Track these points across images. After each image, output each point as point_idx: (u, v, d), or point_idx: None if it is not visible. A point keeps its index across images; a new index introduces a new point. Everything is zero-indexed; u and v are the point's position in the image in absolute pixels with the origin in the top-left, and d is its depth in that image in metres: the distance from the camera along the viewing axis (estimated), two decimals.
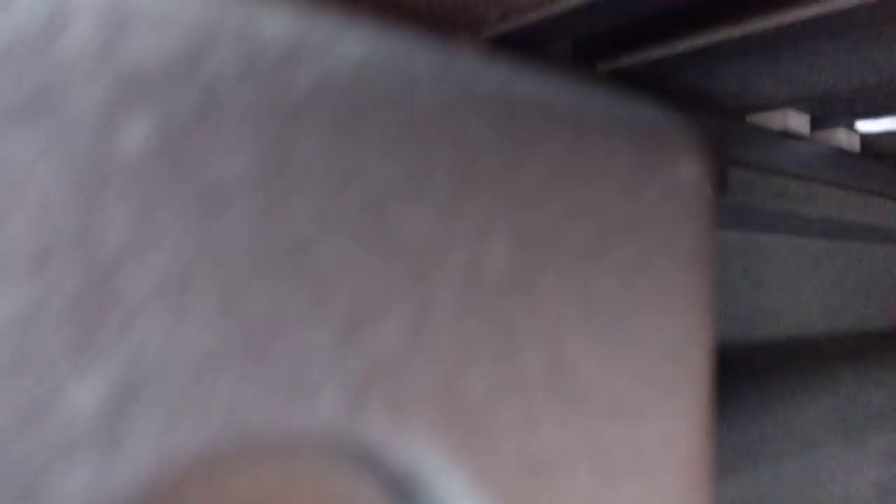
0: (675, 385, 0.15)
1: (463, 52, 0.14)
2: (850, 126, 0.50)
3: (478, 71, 0.14)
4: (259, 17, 0.12)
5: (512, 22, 0.29)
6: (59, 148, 0.10)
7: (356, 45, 0.13)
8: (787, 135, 0.46)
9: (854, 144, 0.52)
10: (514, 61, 0.16)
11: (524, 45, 0.32)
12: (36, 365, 0.10)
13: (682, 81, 0.41)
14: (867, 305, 0.64)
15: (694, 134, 0.14)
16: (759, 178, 0.45)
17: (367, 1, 0.25)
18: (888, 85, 0.41)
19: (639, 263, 0.14)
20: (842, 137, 0.50)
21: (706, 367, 0.16)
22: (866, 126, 0.50)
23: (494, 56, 0.24)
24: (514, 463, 0.13)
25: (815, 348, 0.56)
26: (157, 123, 0.11)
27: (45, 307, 0.10)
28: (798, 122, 0.46)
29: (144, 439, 0.10)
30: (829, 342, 0.58)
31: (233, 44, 0.12)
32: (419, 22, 0.30)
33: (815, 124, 0.49)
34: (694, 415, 0.15)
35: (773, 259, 0.53)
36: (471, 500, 0.13)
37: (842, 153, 0.51)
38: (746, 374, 0.49)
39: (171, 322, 0.11)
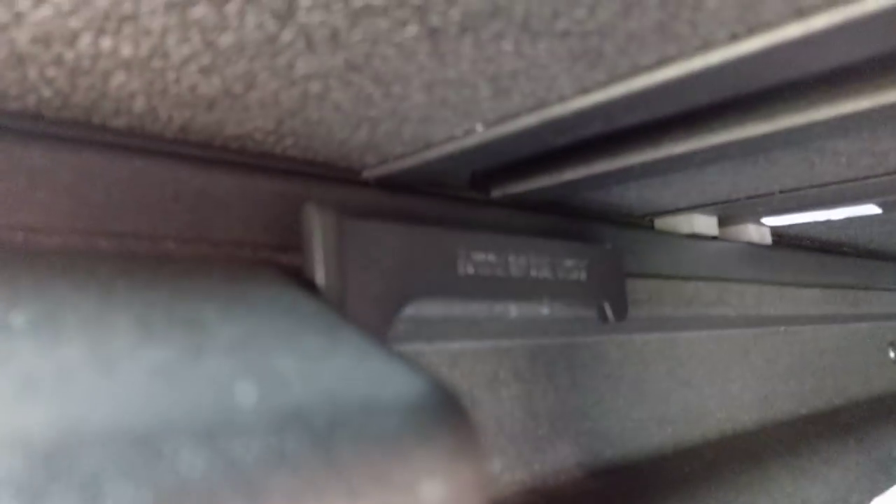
0: None
1: None
2: (758, 221, 0.50)
3: None
4: None
5: (392, 165, 0.28)
6: None
7: None
8: (696, 237, 0.46)
9: (765, 237, 0.52)
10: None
11: (415, 180, 0.31)
12: None
13: (588, 199, 0.41)
14: (800, 387, 0.63)
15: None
16: (668, 285, 0.44)
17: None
18: (791, 190, 0.42)
19: None
20: (752, 232, 0.51)
21: None
22: (774, 221, 0.50)
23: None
24: None
25: (749, 444, 0.55)
26: None
27: None
28: (706, 224, 0.46)
29: None
30: (763, 435, 0.57)
31: None
32: (299, 166, 0.29)
33: (724, 222, 0.49)
34: None
35: (698, 354, 0.52)
36: None
37: (753, 247, 0.51)
38: (678, 484, 0.47)
39: None
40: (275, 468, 0.10)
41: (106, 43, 0.17)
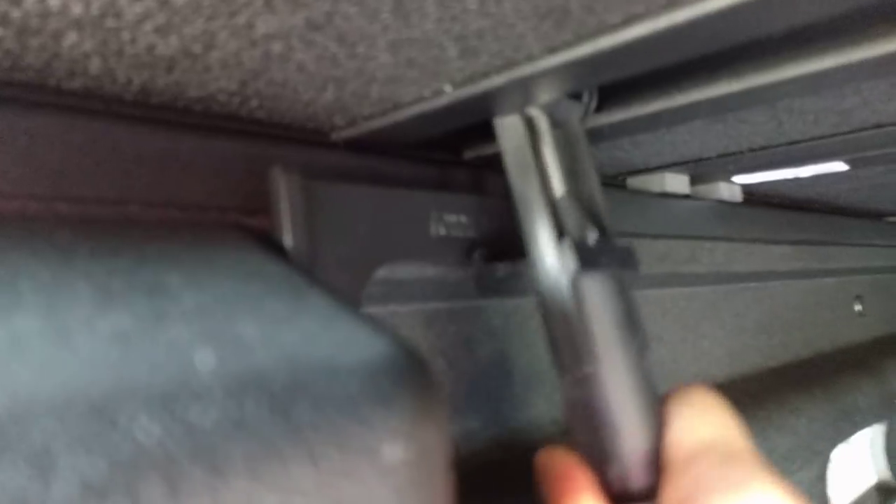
0: None
1: None
2: (729, 180, 0.51)
3: None
4: None
5: (361, 126, 0.28)
6: None
7: None
8: (667, 195, 0.46)
9: (735, 195, 0.53)
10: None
11: (385, 142, 0.31)
12: None
13: None
14: (769, 341, 0.65)
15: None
16: (641, 243, 0.45)
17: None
18: (760, 149, 0.42)
19: None
20: (723, 190, 0.51)
21: None
22: (744, 179, 0.51)
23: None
24: None
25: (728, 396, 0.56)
26: None
27: None
28: (677, 182, 0.46)
29: None
30: (732, 388, 0.58)
31: None
32: (266, 128, 0.28)
33: (696, 180, 0.50)
34: None
35: (671, 311, 0.53)
36: None
37: (724, 205, 0.51)
38: None
39: None
40: (233, 433, 0.10)
41: (54, 1, 0.16)
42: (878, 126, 0.38)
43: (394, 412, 0.11)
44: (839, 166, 0.45)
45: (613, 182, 0.46)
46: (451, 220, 0.27)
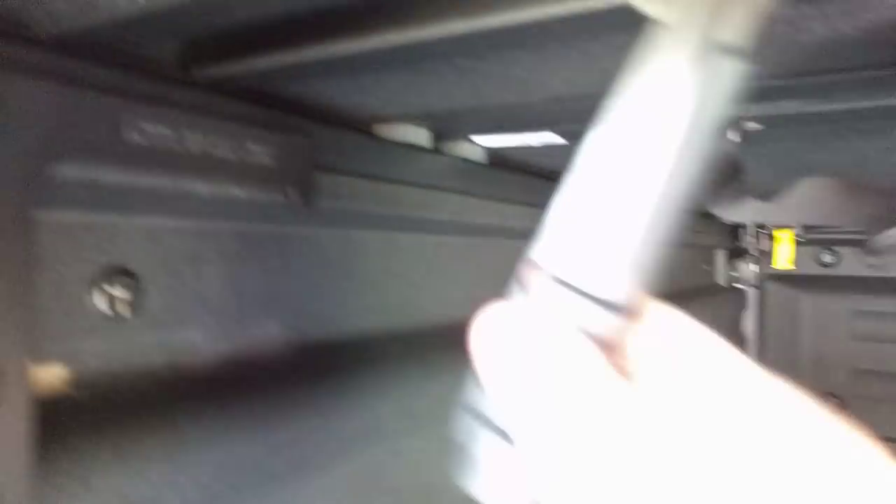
0: None
1: None
2: (469, 139, 0.57)
3: None
4: None
5: (64, 25, 0.28)
6: None
7: None
8: (412, 146, 0.51)
9: (479, 155, 0.59)
10: None
11: (96, 45, 0.31)
12: None
13: (304, 93, 0.43)
14: (505, 291, 0.73)
15: None
16: (387, 188, 0.49)
17: None
18: (499, 108, 0.48)
19: None
20: (467, 149, 0.57)
21: None
22: (482, 141, 0.57)
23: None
24: None
25: (456, 335, 0.63)
26: None
27: None
28: (421, 135, 0.51)
29: None
30: (468, 329, 0.65)
31: None
32: None
33: (442, 137, 0.55)
34: None
35: (416, 255, 0.58)
36: None
37: (466, 163, 0.57)
38: (386, 361, 0.53)
39: None
40: None
41: None
42: (583, 98, 0.44)
43: None
44: (554, 137, 0.52)
45: (361, 128, 0.50)
46: (150, 129, 0.28)
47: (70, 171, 0.27)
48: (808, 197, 0.49)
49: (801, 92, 0.40)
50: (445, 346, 0.60)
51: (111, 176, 0.29)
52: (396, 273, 0.56)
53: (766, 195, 0.50)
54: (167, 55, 0.37)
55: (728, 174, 0.48)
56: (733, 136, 0.46)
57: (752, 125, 0.46)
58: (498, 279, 0.72)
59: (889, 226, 0.48)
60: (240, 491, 0.37)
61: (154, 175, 0.31)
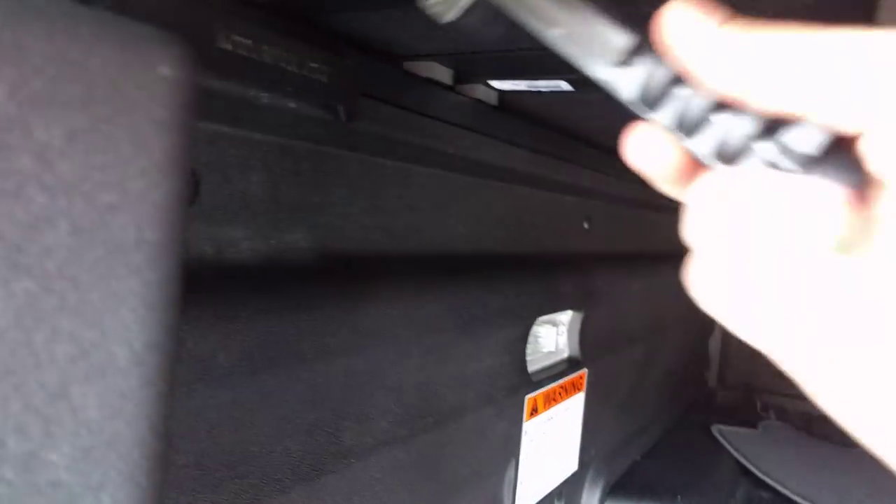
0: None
1: None
2: (488, 84, 0.62)
3: None
4: None
5: None
6: None
7: None
8: (433, 82, 0.56)
9: (492, 98, 0.64)
10: None
11: None
12: None
13: (346, 25, 0.48)
14: (505, 234, 0.80)
15: (171, 46, 0.17)
16: (408, 117, 0.54)
17: None
18: (517, 52, 0.53)
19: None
20: (481, 91, 0.62)
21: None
22: (499, 84, 0.62)
23: None
24: None
25: (457, 264, 0.69)
26: None
27: None
28: (442, 73, 0.56)
29: None
30: (469, 261, 0.72)
31: None
32: None
33: (460, 79, 0.60)
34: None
35: (427, 187, 0.64)
36: None
37: (479, 104, 0.63)
38: (396, 278, 0.59)
39: None
40: None
41: None
42: None
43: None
44: (564, 85, 0.58)
45: (392, 61, 0.55)
46: (237, 39, 0.33)
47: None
48: None
49: None
50: (445, 271, 0.66)
51: (203, 80, 0.34)
52: (406, 201, 0.62)
53: None
54: None
55: None
56: None
57: None
58: (496, 218, 0.78)
59: None
60: (276, 364, 0.44)
61: (233, 82, 0.36)
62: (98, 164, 0.14)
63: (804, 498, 1.12)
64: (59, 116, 0.13)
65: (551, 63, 0.54)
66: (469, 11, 0.28)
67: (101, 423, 0.16)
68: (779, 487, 1.15)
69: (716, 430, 1.34)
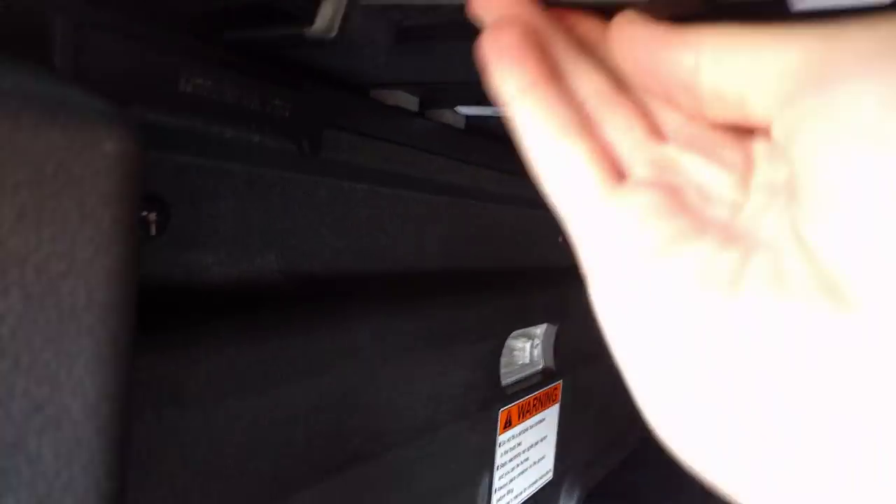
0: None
1: None
2: (454, 109, 0.64)
3: None
4: None
5: None
6: None
7: None
8: (399, 109, 0.58)
9: (459, 122, 0.66)
10: None
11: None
12: None
13: (312, 59, 0.50)
14: (479, 250, 0.81)
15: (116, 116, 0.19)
16: (374, 144, 0.56)
17: None
18: (481, 81, 0.55)
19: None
20: (448, 116, 0.64)
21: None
22: (466, 110, 0.64)
23: None
24: None
25: (428, 282, 0.71)
26: None
27: None
28: (409, 101, 0.58)
29: None
30: (440, 277, 0.73)
31: None
32: None
33: (427, 105, 0.62)
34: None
35: (397, 209, 0.66)
36: None
37: (447, 128, 0.65)
38: (363, 295, 0.61)
39: None
40: None
41: None
42: None
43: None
44: None
45: (360, 91, 0.56)
46: (199, 81, 0.35)
47: (134, 114, 0.34)
48: None
49: None
50: (415, 290, 0.68)
51: (162, 119, 0.36)
52: (377, 222, 0.64)
53: None
54: (200, 18, 0.44)
55: None
56: None
57: None
58: (469, 236, 0.80)
59: None
60: (245, 387, 0.45)
61: (195, 120, 0.37)
62: (47, 236, 0.15)
63: None
64: (9, 199, 0.15)
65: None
66: (346, 21, 0.31)
67: (57, 471, 0.17)
68: None
69: None
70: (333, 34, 0.32)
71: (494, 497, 0.82)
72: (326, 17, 0.32)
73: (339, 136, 0.50)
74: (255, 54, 0.43)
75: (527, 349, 0.92)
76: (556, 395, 0.96)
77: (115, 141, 0.17)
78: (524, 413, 0.87)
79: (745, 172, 0.20)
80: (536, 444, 0.92)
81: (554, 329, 0.94)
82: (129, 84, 0.31)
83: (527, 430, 0.88)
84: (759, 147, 0.20)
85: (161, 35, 0.34)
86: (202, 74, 0.35)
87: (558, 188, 0.23)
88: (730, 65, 0.18)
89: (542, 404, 0.92)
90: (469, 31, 0.45)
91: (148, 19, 0.35)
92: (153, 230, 0.43)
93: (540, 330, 0.94)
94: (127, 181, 0.17)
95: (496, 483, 0.82)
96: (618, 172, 0.22)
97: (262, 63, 0.42)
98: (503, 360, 0.83)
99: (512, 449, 0.85)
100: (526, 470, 0.90)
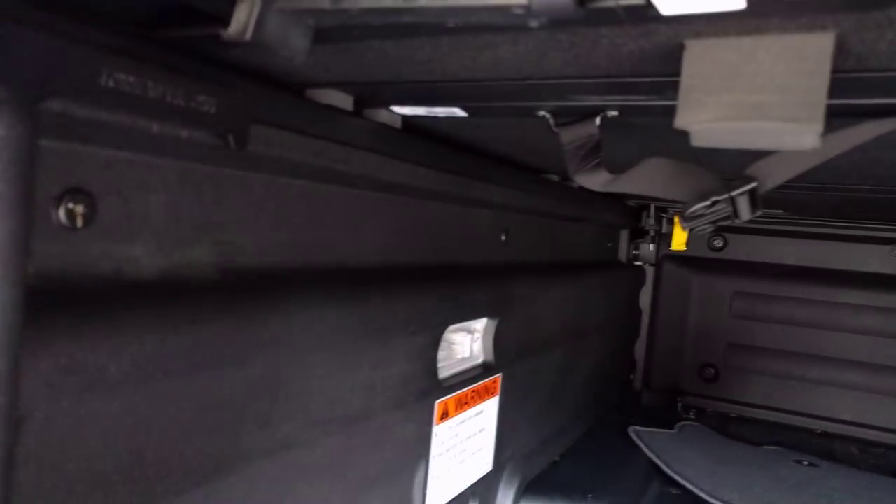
0: None
1: None
2: (388, 108, 0.66)
3: None
4: None
5: None
6: None
7: None
8: (334, 108, 0.60)
9: (396, 122, 0.69)
10: None
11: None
12: None
13: (245, 58, 0.51)
14: (421, 246, 0.84)
15: None
16: (310, 142, 0.58)
17: None
18: (412, 84, 0.57)
19: None
20: (385, 115, 0.66)
21: None
22: (400, 110, 0.66)
23: None
24: None
25: (369, 276, 0.73)
26: None
27: None
28: (344, 100, 0.60)
29: None
30: (382, 272, 0.76)
31: None
32: None
33: (364, 104, 0.64)
34: None
35: (335, 205, 0.68)
36: None
37: (383, 127, 0.67)
38: (301, 289, 0.63)
39: None
40: None
41: None
42: (494, 80, 0.53)
43: None
44: (458, 111, 0.62)
45: (296, 90, 0.58)
46: (121, 77, 0.37)
47: (53, 107, 0.35)
48: (647, 173, 0.61)
49: (644, 89, 0.51)
50: (351, 283, 0.70)
51: (84, 112, 0.37)
52: (314, 217, 0.66)
53: (618, 170, 0.61)
54: (131, 15, 0.45)
55: (589, 151, 0.59)
56: (595, 122, 0.57)
57: (611, 113, 0.57)
58: (408, 232, 0.83)
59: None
60: (170, 373, 0.47)
61: (118, 114, 0.39)
62: None
63: (709, 494, 1.20)
64: None
65: (446, 91, 0.59)
66: (260, 24, 0.33)
67: None
68: (687, 485, 1.23)
69: (632, 430, 1.41)
70: (248, 36, 0.34)
71: (430, 486, 0.84)
72: (241, 21, 0.34)
73: (271, 133, 0.52)
74: (180, 51, 0.45)
75: (467, 343, 0.95)
76: (494, 389, 0.99)
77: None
78: (462, 405, 0.90)
79: None
80: (475, 435, 0.95)
81: (494, 324, 0.97)
82: (47, 77, 0.33)
83: (464, 421, 0.91)
84: None
85: (80, 30, 0.36)
86: (124, 70, 0.37)
87: None
88: None
89: (480, 397, 0.94)
90: (393, 32, 0.47)
91: (69, 15, 0.37)
92: (79, 222, 0.44)
93: (480, 325, 0.97)
94: (11, 164, 0.19)
95: (432, 472, 0.84)
96: None
97: (186, 60, 0.43)
98: (442, 353, 0.86)
99: (449, 439, 0.87)
100: (464, 460, 0.93)
